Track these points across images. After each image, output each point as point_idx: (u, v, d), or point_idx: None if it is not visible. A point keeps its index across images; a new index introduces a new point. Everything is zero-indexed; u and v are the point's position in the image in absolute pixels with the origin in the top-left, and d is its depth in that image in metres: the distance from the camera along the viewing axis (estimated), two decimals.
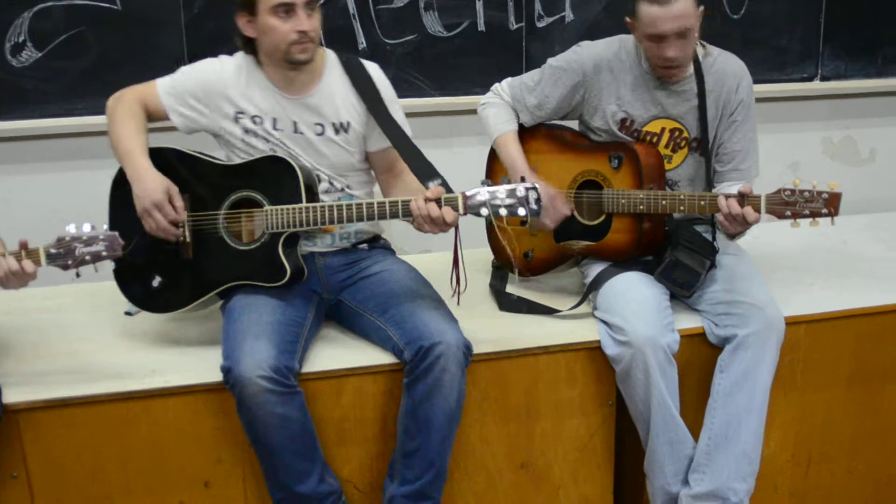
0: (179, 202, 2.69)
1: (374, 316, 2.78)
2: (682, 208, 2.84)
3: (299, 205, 2.69)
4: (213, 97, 2.83)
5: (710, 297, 2.89)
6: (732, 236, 2.84)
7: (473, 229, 2.90)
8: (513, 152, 3.06)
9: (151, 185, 2.66)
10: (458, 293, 2.75)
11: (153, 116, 2.85)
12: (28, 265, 2.42)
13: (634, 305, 2.79)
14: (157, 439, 2.67)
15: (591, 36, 3.13)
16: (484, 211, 2.54)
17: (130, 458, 2.67)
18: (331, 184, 2.88)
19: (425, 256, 3.17)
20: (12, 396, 2.56)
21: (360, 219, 2.67)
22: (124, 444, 2.66)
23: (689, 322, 2.91)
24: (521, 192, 2.52)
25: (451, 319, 2.70)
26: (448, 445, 2.69)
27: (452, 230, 2.64)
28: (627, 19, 2.88)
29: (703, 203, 2.80)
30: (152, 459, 2.68)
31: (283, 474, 2.63)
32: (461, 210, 2.55)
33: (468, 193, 2.54)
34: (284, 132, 2.83)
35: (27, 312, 3.11)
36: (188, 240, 2.77)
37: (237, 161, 2.84)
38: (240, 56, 2.87)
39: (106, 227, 2.50)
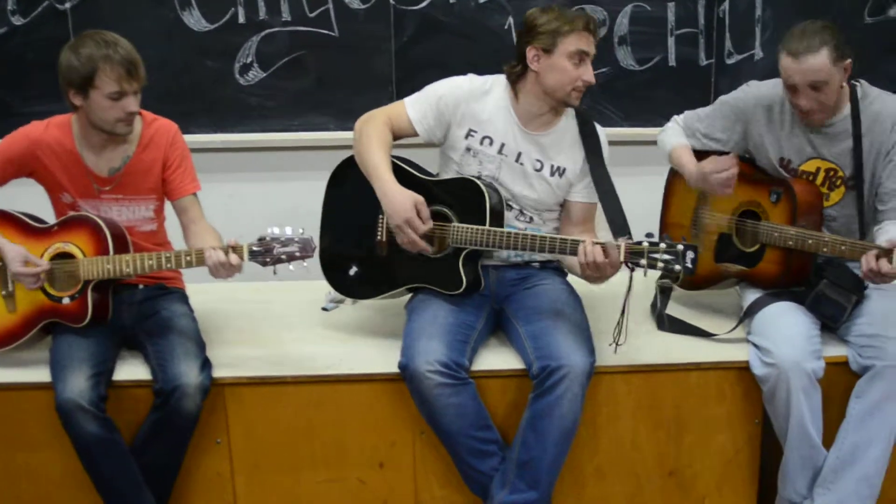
0: (426, 212, 2.92)
1: (520, 325, 3.00)
2: (825, 250, 2.95)
3: (482, 227, 2.93)
4: (454, 109, 3.06)
5: (856, 329, 3.01)
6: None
7: None
8: (686, 158, 3.21)
9: (400, 202, 2.89)
10: (616, 345, 2.96)
11: (399, 133, 3.08)
12: (234, 258, 2.74)
13: (785, 331, 2.95)
14: (341, 420, 2.99)
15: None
16: (642, 262, 2.69)
17: (317, 434, 3.00)
18: (521, 212, 3.11)
19: None
20: (220, 373, 2.93)
21: (531, 249, 2.88)
22: (312, 422, 2.99)
23: (835, 351, 3.03)
24: (679, 248, 2.66)
25: (585, 345, 2.88)
26: (558, 465, 2.88)
27: (625, 289, 2.87)
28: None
29: (843, 248, 2.89)
30: (335, 438, 3.00)
31: (466, 455, 2.90)
32: (621, 257, 2.70)
33: (630, 244, 2.70)
34: (507, 158, 3.06)
35: (240, 302, 3.51)
36: (385, 239, 3.08)
37: (443, 177, 3.12)
38: (494, 79, 3.09)
39: (302, 230, 2.79)
